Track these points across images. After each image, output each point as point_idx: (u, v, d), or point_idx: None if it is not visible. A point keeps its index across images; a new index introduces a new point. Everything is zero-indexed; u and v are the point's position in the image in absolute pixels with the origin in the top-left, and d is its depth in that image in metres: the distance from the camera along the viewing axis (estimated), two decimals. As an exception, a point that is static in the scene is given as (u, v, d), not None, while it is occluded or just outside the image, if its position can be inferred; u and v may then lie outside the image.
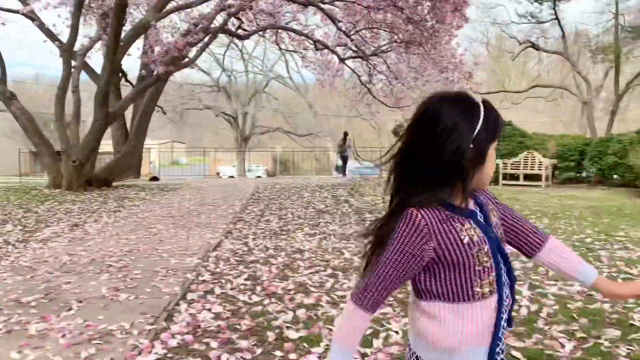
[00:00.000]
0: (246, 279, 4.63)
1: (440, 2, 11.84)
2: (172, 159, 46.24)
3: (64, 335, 3.25)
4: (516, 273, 4.72)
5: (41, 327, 3.40)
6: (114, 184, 14.33)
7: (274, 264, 5.19)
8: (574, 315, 3.74)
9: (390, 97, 17.89)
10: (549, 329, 3.48)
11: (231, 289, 4.34)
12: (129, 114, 17.66)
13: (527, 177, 15.18)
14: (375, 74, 17.26)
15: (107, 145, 25.56)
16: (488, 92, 26.40)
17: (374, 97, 17.39)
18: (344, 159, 20.50)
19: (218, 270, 4.96)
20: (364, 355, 3.01)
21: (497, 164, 15.37)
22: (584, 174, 15.95)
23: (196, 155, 36.94)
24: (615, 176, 14.65)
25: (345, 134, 20.64)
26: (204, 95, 37.90)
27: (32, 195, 11.37)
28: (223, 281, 4.56)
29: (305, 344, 3.17)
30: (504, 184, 15.16)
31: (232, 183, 16.85)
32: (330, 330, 3.40)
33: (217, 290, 4.28)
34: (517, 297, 4.02)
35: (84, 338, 3.22)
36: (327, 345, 3.14)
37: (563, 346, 3.18)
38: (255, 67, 37.92)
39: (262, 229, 7.36)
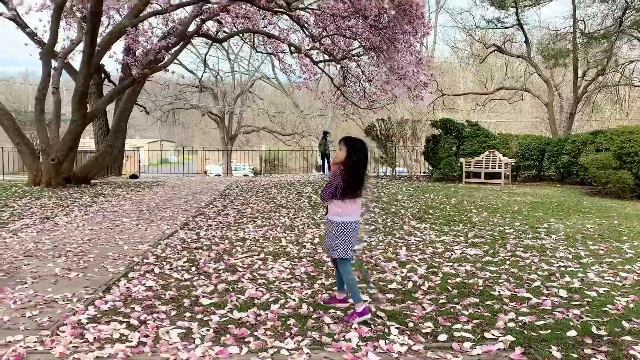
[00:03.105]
0: (185, 262, 5.33)
1: (399, 13, 12.54)
2: (161, 158, 46.86)
3: (15, 302, 3.93)
4: (423, 257, 5.48)
5: (-3, 296, 4.08)
6: (92, 181, 14.97)
7: (214, 250, 5.89)
8: (449, 288, 4.47)
9: (364, 99, 18.58)
10: (423, 297, 4.21)
11: (169, 269, 5.03)
12: (112, 112, 18.28)
13: (488, 175, 15.96)
14: (349, 77, 17.96)
15: (91, 143, 26.08)
16: (456, 94, 27.22)
17: (346, 98, 18.07)
18: (326, 157, 21.18)
19: (163, 255, 5.66)
20: (257, 315, 3.72)
21: (461, 163, 16.18)
22: (545, 174, 16.77)
23: (187, 154, 37.49)
24: (574, 175, 15.45)
25: (325, 133, 21.33)
26: (190, 94, 38.48)
27: (11, 192, 11.99)
28: (164, 263, 5.26)
29: (212, 308, 3.87)
30: (466, 182, 15.93)
31: (207, 181, 17.52)
32: (239, 298, 4.11)
33: (156, 270, 4.98)
34: (410, 274, 4.77)
35: (31, 304, 3.91)
36: (229, 308, 3.85)
37: (424, 309, 3.90)
38: (242, 67, 38.60)
39: (219, 222, 8.04)
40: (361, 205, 3.89)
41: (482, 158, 16.08)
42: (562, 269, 5.17)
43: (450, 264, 5.34)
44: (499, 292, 4.33)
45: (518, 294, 4.27)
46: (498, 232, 7.30)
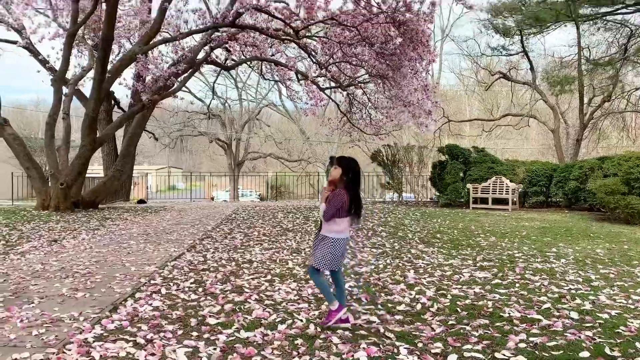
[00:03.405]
0: (192, 283, 5.31)
1: (405, 41, 12.69)
2: (169, 184, 47.12)
3: (21, 321, 3.92)
4: (432, 279, 5.43)
5: (3, 315, 4.07)
6: (100, 206, 15.03)
7: (221, 272, 5.87)
8: (458, 309, 4.42)
9: (370, 125, 18.67)
10: (432, 319, 4.16)
11: (176, 290, 5.01)
12: (121, 139, 18.46)
13: (495, 201, 15.90)
14: (355, 103, 18.11)
15: (100, 170, 26.29)
16: (462, 120, 27.31)
17: (352, 125, 18.17)
18: None
19: (170, 276, 5.64)
20: (264, 335, 3.69)
21: (468, 189, 16.14)
22: (553, 200, 16.68)
23: (194, 181, 37.71)
24: (582, 201, 15.36)
25: (332, 158, 21.36)
26: (198, 121, 38.91)
27: (20, 215, 12.05)
28: (171, 284, 5.24)
29: (219, 327, 3.84)
30: (473, 208, 15.86)
31: (214, 206, 17.55)
32: (246, 318, 4.08)
33: (163, 291, 4.96)
34: (418, 296, 4.72)
35: (38, 323, 3.89)
36: (236, 327, 3.82)
37: (433, 330, 3.85)
38: (249, 94, 39.07)
39: (225, 244, 8.03)
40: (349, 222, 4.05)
41: (489, 184, 16.05)
42: (573, 291, 5.11)
43: (459, 286, 5.29)
44: (509, 313, 4.27)
45: (528, 316, 4.21)
46: (507, 255, 7.24)
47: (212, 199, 36.87)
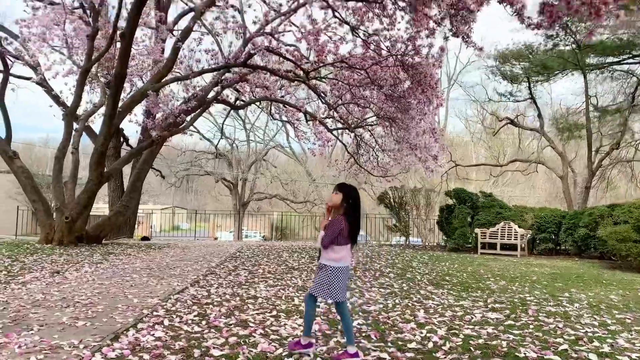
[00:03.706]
0: (195, 316, 5.16)
1: (413, 84, 12.85)
2: (173, 224, 47.00)
3: (20, 347, 3.79)
4: (443, 319, 5.27)
5: (1, 341, 3.93)
6: (104, 241, 14.91)
7: (225, 306, 5.72)
8: (471, 348, 4.24)
9: (377, 167, 18.68)
10: (444, 357, 3.99)
11: (179, 322, 4.86)
12: (128, 177, 18.51)
13: (504, 246, 15.68)
14: (362, 145, 18.19)
15: (105, 208, 26.28)
16: (470, 165, 27.33)
17: (360, 166, 18.19)
18: None
19: (173, 309, 5.49)
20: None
21: (476, 233, 15.96)
22: (562, 247, 16.43)
23: (198, 221, 37.63)
24: (592, 249, 15.13)
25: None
26: (205, 161, 39.17)
27: (23, 248, 11.94)
28: (174, 316, 5.09)
29: (223, 359, 3.69)
30: (482, 253, 15.63)
31: (218, 244, 17.39)
32: (251, 351, 3.93)
33: (166, 322, 4.81)
34: (429, 334, 4.56)
35: (36, 349, 3.76)
36: (241, 359, 3.67)
37: (447, 369, 3.68)
38: (257, 136, 39.45)
39: (230, 280, 7.87)
40: (351, 252, 4.03)
41: (498, 229, 15.86)
42: (590, 334, 4.92)
43: (472, 326, 5.11)
44: (525, 353, 4.10)
45: (545, 357, 4.04)
46: (518, 299, 7.05)
47: (216, 239, 36.72)
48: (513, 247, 15.55)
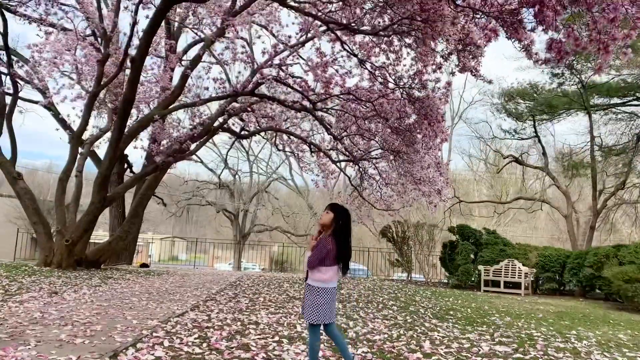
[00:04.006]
0: (196, 338, 5.02)
1: (419, 117, 12.91)
2: (171, 254, 46.62)
3: (15, 361, 3.67)
4: (449, 350, 5.12)
5: (-3, 354, 3.82)
6: (103, 266, 14.73)
7: (226, 330, 5.58)
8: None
9: (381, 201, 18.60)
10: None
11: (179, 343, 4.73)
12: (129, 204, 18.44)
13: (507, 284, 15.46)
14: (366, 178, 18.16)
15: (105, 235, 26.13)
16: (473, 202, 27.22)
17: (363, 199, 18.12)
18: None
19: (173, 330, 5.35)
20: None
21: (479, 270, 15.76)
22: (566, 287, 16.20)
23: (197, 252, 37.37)
24: (598, 290, 14.91)
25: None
26: (207, 191, 39.16)
27: (21, 270, 11.78)
28: (174, 338, 4.95)
29: (226, 380, 3.56)
30: (485, 290, 15.40)
31: (217, 273, 17.19)
32: (254, 374, 3.79)
33: (166, 343, 4.68)
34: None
35: (32, 364, 3.64)
36: (244, 382, 3.54)
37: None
38: (260, 168, 39.54)
39: (230, 307, 7.72)
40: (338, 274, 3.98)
41: (502, 266, 15.67)
42: (602, 370, 4.77)
43: (479, 358, 4.96)
44: (538, 386, 3.95)
45: (559, 390, 3.89)
46: (525, 334, 6.88)
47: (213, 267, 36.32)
48: (517, 286, 15.33)
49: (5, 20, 14.05)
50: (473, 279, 16.23)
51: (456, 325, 7.33)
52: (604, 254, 14.33)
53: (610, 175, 20.58)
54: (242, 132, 17.86)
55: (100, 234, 33.36)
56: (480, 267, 15.90)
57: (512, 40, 8.79)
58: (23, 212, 14.74)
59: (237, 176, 38.27)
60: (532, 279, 15.84)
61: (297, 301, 9.04)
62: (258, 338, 5.26)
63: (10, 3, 13.96)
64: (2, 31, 13.94)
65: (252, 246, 40.25)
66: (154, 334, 5.07)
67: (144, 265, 18.89)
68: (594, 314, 10.52)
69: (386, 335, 5.96)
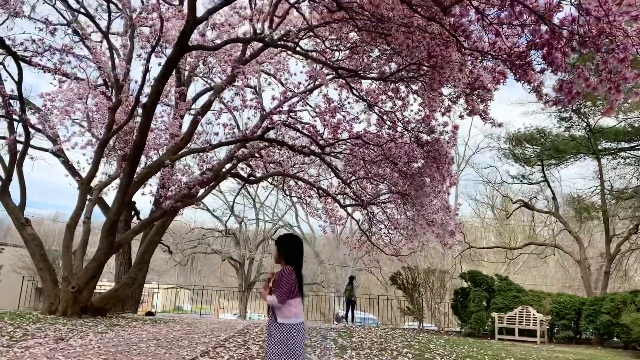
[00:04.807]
0: (209, 383, 4.81)
1: (428, 161, 12.91)
2: (175, 304, 45.92)
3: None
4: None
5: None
6: (108, 314, 14.44)
7: (240, 375, 5.36)
8: None
9: (390, 245, 18.37)
10: None
11: (192, 389, 4.52)
12: (135, 252, 18.28)
13: (522, 332, 15.02)
14: (375, 223, 17.99)
15: (110, 284, 25.84)
16: (483, 247, 26.89)
17: (372, 244, 17.90)
18: (351, 304, 20.16)
19: (185, 376, 5.15)
20: None
21: (493, 318, 15.36)
22: (583, 335, 15.72)
23: (202, 302, 36.81)
24: (616, 338, 14.46)
25: (352, 278, 20.62)
26: (213, 239, 38.94)
27: (25, 317, 11.55)
28: (186, 383, 4.75)
29: None
30: (499, 339, 14.94)
31: (224, 321, 16.83)
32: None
33: (178, 389, 4.47)
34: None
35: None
36: None
37: None
38: (266, 215, 39.43)
39: (241, 353, 7.48)
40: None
41: (516, 313, 15.27)
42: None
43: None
44: None
45: None
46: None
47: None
48: (532, 334, 14.89)
49: (20, 70, 14.33)
50: (486, 327, 15.79)
51: (476, 372, 7.05)
52: (621, 300, 13.97)
53: (622, 220, 20.33)
54: (250, 178, 17.88)
55: (105, 284, 32.97)
56: (494, 314, 15.50)
57: (522, 82, 8.84)
58: (28, 262, 14.64)
59: (243, 223, 38.13)
60: (547, 326, 15.40)
61: (309, 348, 8.76)
62: (273, 384, 5.03)
63: (25, 53, 14.29)
64: (17, 80, 14.19)
65: (257, 296, 39.64)
66: (165, 380, 4.87)
67: (149, 313, 18.57)
68: (616, 362, 10.15)
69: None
